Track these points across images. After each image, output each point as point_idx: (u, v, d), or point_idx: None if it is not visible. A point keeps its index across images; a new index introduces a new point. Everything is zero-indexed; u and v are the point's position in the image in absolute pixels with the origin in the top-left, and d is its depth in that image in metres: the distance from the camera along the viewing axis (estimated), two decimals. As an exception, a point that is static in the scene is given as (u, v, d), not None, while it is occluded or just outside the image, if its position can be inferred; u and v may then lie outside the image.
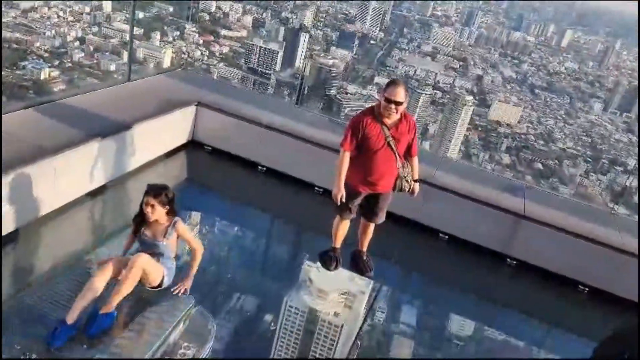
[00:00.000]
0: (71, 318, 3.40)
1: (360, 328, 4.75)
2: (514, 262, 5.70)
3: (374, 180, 4.08)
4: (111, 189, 5.56)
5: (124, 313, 3.72)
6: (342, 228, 4.44)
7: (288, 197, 6.39)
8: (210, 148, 6.60)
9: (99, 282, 3.54)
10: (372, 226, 4.50)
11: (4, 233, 4.34)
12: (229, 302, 4.97)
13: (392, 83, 3.87)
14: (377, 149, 3.95)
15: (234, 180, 6.39)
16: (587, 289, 5.56)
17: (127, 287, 3.55)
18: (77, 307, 3.45)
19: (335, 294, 4.88)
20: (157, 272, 3.73)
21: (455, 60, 38.38)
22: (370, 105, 4.14)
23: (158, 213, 3.69)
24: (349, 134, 3.96)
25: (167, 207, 3.71)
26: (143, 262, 3.57)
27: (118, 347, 3.55)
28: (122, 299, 3.57)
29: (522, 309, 5.67)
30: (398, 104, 3.84)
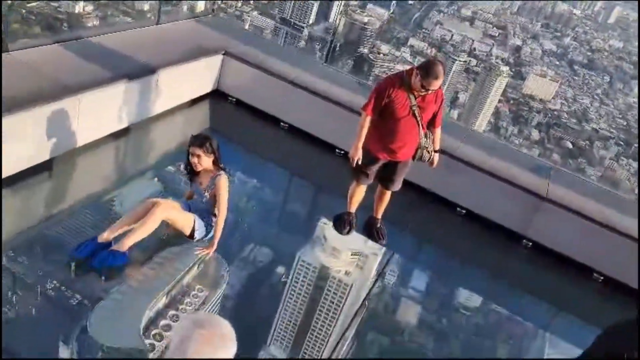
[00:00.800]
0: (101, 238, 3.51)
1: (370, 289, 4.79)
2: (530, 244, 5.61)
3: (395, 148, 4.00)
4: (134, 131, 5.59)
5: (143, 253, 3.79)
6: (358, 193, 4.40)
7: (308, 156, 6.35)
8: (234, 99, 6.54)
9: (135, 213, 3.63)
10: (388, 194, 4.45)
11: (24, 168, 4.41)
12: (244, 251, 5.05)
13: (433, 73, 3.66)
14: (401, 117, 3.85)
15: (255, 134, 6.36)
16: (602, 277, 5.46)
17: (141, 232, 3.61)
18: (112, 230, 3.57)
19: (347, 254, 4.90)
20: (184, 221, 3.75)
21: (494, 28, 37.16)
22: (399, 71, 4.01)
23: (205, 162, 3.74)
24: (373, 98, 3.86)
25: (213, 155, 3.73)
26: (161, 211, 3.62)
27: (134, 282, 3.67)
28: (135, 241, 3.63)
29: (532, 291, 5.63)
30: (432, 90, 3.75)
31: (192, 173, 3.87)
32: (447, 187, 5.71)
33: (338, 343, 4.82)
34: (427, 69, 3.68)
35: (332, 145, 6.14)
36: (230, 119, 6.58)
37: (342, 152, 6.02)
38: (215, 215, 3.97)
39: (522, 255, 5.68)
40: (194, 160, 3.74)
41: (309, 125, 6.25)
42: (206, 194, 3.83)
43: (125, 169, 5.74)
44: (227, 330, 1.67)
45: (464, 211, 5.76)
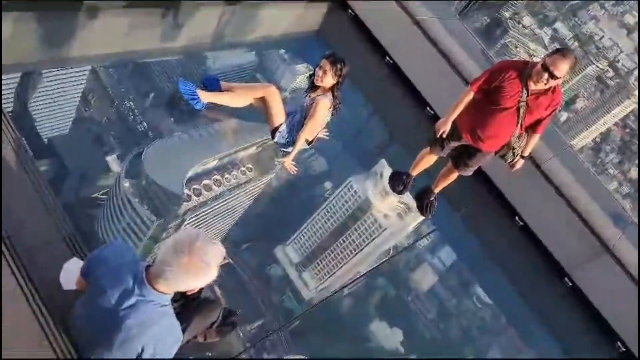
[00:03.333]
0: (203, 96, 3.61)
1: (404, 249, 4.74)
2: (570, 284, 5.28)
3: (482, 136, 3.75)
4: (246, 4, 5.53)
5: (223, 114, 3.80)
6: (427, 161, 4.22)
7: (396, 101, 6.10)
8: (353, 14, 6.25)
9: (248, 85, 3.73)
10: (455, 174, 4.27)
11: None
12: (302, 154, 5.08)
13: (561, 53, 3.33)
14: (504, 107, 3.55)
15: (357, 57, 6.06)
16: (624, 349, 5.17)
17: (234, 94, 3.66)
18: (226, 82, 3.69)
19: (395, 200, 4.79)
20: (276, 114, 3.73)
21: (651, 48, 33.70)
22: (525, 60, 3.67)
23: (326, 81, 3.66)
24: (485, 77, 3.56)
25: (337, 78, 3.67)
26: (270, 90, 3.64)
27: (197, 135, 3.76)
28: (219, 102, 3.67)
29: (549, 325, 5.44)
30: (554, 77, 3.40)
31: (312, 85, 3.83)
32: (517, 193, 5.36)
33: (363, 275, 4.85)
34: (557, 49, 3.39)
35: (425, 101, 5.86)
36: (340, 31, 6.32)
37: (432, 112, 5.76)
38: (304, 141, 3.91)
39: (556, 290, 5.39)
40: (319, 72, 3.67)
41: (412, 72, 5.92)
42: (305, 105, 3.80)
43: (227, 34, 5.74)
44: (208, 259, 1.75)
45: (522, 223, 5.45)
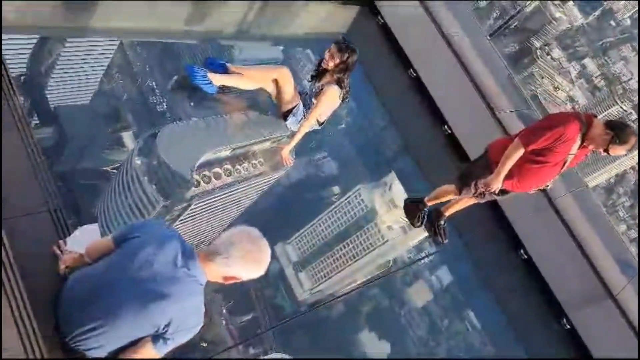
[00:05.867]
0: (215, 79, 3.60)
1: (406, 265, 4.63)
2: (567, 327, 5.09)
3: (523, 186, 3.63)
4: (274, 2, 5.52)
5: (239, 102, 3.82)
6: (448, 198, 4.05)
7: (415, 116, 6.03)
8: (382, 21, 6.18)
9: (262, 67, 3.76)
10: (473, 201, 4.12)
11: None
12: (315, 154, 5.06)
13: (630, 143, 3.25)
14: (551, 163, 3.43)
15: (380, 66, 6.04)
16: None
17: (246, 76, 3.65)
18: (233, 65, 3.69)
19: (401, 213, 4.66)
20: (289, 97, 3.72)
21: (678, 97, 33.47)
22: (576, 112, 3.54)
23: (331, 64, 3.68)
24: (544, 137, 3.25)
25: (339, 60, 3.64)
26: (283, 72, 3.65)
27: (215, 123, 3.76)
28: (229, 84, 3.68)
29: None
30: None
31: (319, 72, 3.79)
32: (525, 225, 5.26)
33: (362, 286, 4.75)
34: (626, 137, 3.20)
35: (443, 119, 5.76)
36: (367, 37, 6.21)
37: (449, 131, 5.66)
38: (315, 122, 3.87)
39: (552, 330, 5.23)
40: (326, 55, 3.67)
41: (434, 88, 5.84)
42: (312, 92, 3.77)
43: (255, 26, 5.71)
44: (265, 257, 1.89)
45: (525, 257, 5.29)
